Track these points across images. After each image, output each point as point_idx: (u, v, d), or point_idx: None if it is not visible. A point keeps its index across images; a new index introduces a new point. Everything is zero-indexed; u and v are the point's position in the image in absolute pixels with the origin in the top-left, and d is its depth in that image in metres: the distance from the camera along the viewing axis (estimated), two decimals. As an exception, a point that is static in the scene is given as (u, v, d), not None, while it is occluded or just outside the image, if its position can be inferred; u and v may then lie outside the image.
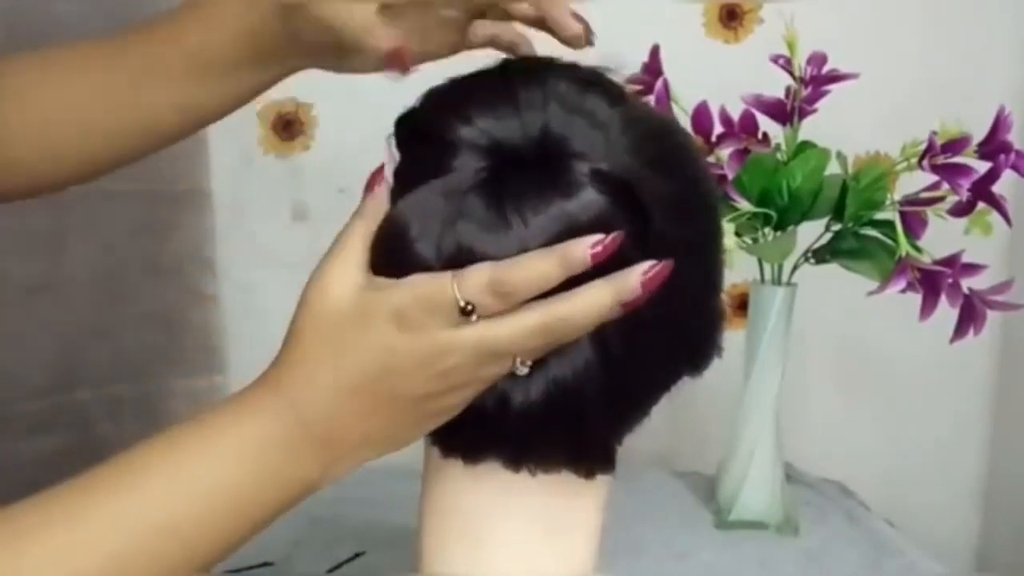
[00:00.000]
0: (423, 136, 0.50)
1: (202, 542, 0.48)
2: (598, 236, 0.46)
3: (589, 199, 0.47)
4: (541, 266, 0.46)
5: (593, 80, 0.51)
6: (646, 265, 0.47)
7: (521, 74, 0.51)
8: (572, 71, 0.51)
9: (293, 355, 0.49)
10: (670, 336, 0.51)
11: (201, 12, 0.63)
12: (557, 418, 0.50)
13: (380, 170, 0.50)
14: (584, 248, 0.46)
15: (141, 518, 0.47)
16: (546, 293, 0.47)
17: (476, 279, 0.46)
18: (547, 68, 0.51)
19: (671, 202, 0.49)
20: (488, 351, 0.47)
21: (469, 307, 0.46)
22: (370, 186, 0.50)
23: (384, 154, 0.51)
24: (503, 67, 0.53)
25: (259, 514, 0.49)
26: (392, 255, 0.49)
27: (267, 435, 0.48)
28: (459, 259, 0.47)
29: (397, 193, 0.51)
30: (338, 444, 0.49)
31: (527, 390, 0.49)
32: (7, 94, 0.64)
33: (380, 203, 0.50)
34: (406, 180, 0.50)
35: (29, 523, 0.46)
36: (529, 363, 0.48)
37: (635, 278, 0.46)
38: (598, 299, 0.46)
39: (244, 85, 0.65)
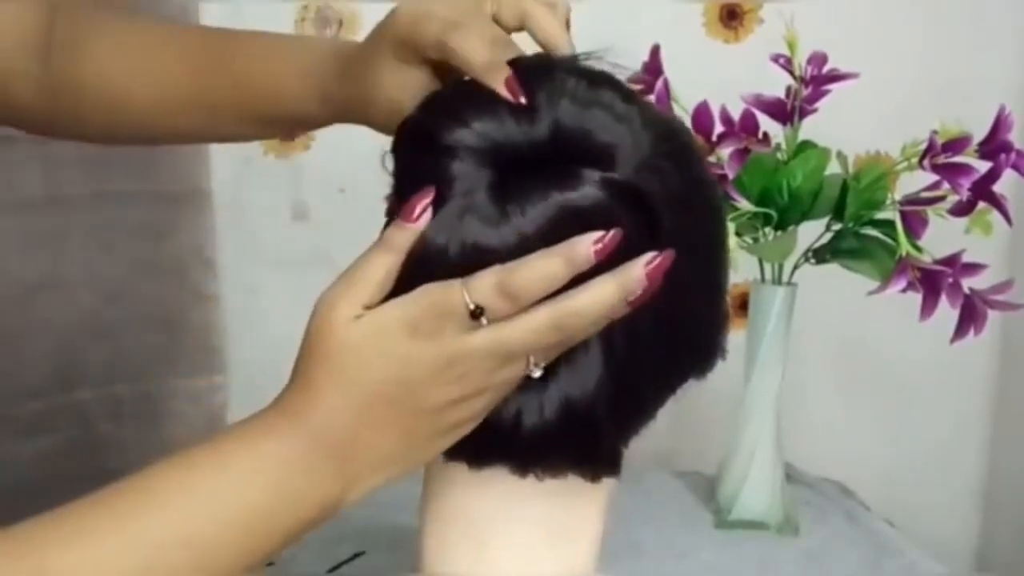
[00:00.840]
0: (423, 142, 0.50)
1: (220, 561, 0.47)
2: (599, 233, 0.46)
3: (591, 195, 0.47)
4: (546, 265, 0.46)
5: (601, 77, 0.51)
6: (648, 256, 0.47)
7: (523, 73, 0.50)
8: (575, 68, 0.51)
9: (305, 380, 0.48)
10: (676, 339, 0.51)
11: (272, 78, 0.64)
12: (569, 429, 0.50)
13: (421, 198, 0.48)
14: (587, 245, 0.46)
15: (161, 537, 0.46)
16: (555, 293, 0.47)
17: (484, 282, 0.46)
18: (550, 65, 0.51)
19: (679, 203, 0.49)
20: (502, 352, 0.47)
21: (479, 310, 0.46)
22: (406, 215, 0.48)
23: (423, 192, 0.48)
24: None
25: (277, 534, 0.48)
26: (411, 257, 0.48)
27: (285, 455, 0.48)
28: (464, 254, 0.47)
29: (395, 197, 0.50)
30: (357, 460, 0.48)
31: (541, 412, 0.49)
32: (88, 55, 0.68)
33: (411, 238, 0.48)
34: (406, 186, 0.50)
35: (49, 538, 0.45)
36: (543, 365, 0.48)
37: (639, 269, 0.46)
38: (604, 292, 0.46)
39: (300, 129, 0.74)
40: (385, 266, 0.48)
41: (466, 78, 0.52)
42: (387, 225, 0.50)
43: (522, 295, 0.46)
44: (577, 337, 0.48)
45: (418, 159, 0.50)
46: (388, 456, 0.49)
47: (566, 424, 0.49)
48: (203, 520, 0.47)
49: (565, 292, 0.46)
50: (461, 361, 0.47)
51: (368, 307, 0.48)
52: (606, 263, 0.46)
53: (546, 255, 0.46)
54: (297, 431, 0.48)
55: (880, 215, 0.95)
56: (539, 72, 0.50)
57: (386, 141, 0.53)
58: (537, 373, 0.48)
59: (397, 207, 0.49)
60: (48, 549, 0.45)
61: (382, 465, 0.49)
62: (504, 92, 0.49)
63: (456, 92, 0.52)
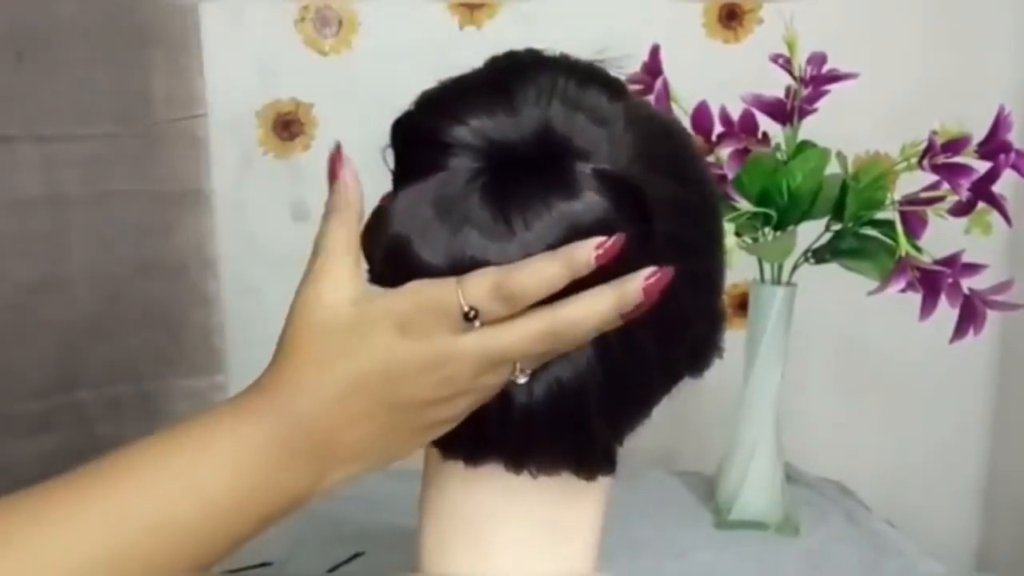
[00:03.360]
0: (418, 140, 0.50)
1: (189, 547, 0.47)
2: (601, 239, 0.45)
3: (592, 201, 0.47)
4: (546, 269, 0.46)
5: (590, 74, 0.51)
6: (648, 271, 0.46)
7: (514, 70, 0.50)
8: (567, 65, 0.51)
9: (289, 362, 0.48)
10: (671, 337, 0.51)
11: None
12: (559, 420, 0.50)
13: (337, 155, 0.50)
14: (588, 250, 0.45)
15: (129, 518, 0.46)
16: (550, 299, 0.46)
17: (480, 284, 0.46)
18: (540, 63, 0.51)
19: (674, 204, 0.49)
20: (491, 357, 0.47)
21: (473, 312, 0.46)
22: (332, 175, 0.50)
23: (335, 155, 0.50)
24: (495, 64, 0.53)
25: (247, 524, 0.48)
26: (398, 268, 0.48)
27: (261, 440, 0.47)
28: (464, 266, 0.47)
29: (393, 193, 0.50)
30: (332, 453, 0.48)
31: (530, 392, 0.49)
32: None
33: (350, 192, 0.49)
34: (404, 185, 0.50)
35: (18, 510, 0.45)
36: (528, 371, 0.48)
37: (637, 283, 0.46)
38: (600, 304, 0.46)
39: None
40: (338, 230, 0.49)
41: (456, 76, 0.52)
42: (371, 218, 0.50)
43: (519, 299, 0.46)
44: (568, 346, 0.47)
45: (414, 155, 0.50)
46: (363, 450, 0.49)
47: (555, 408, 0.49)
48: (175, 506, 0.46)
49: (560, 299, 0.46)
50: (448, 363, 0.47)
51: (352, 278, 0.48)
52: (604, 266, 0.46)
53: (545, 259, 0.46)
54: (278, 417, 0.47)
55: (880, 215, 0.95)
56: (527, 70, 0.50)
57: (386, 138, 0.53)
58: (523, 379, 0.48)
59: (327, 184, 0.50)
60: (15, 521, 0.45)
61: (355, 458, 0.49)
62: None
63: (451, 89, 0.52)
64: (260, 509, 0.48)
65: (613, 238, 0.45)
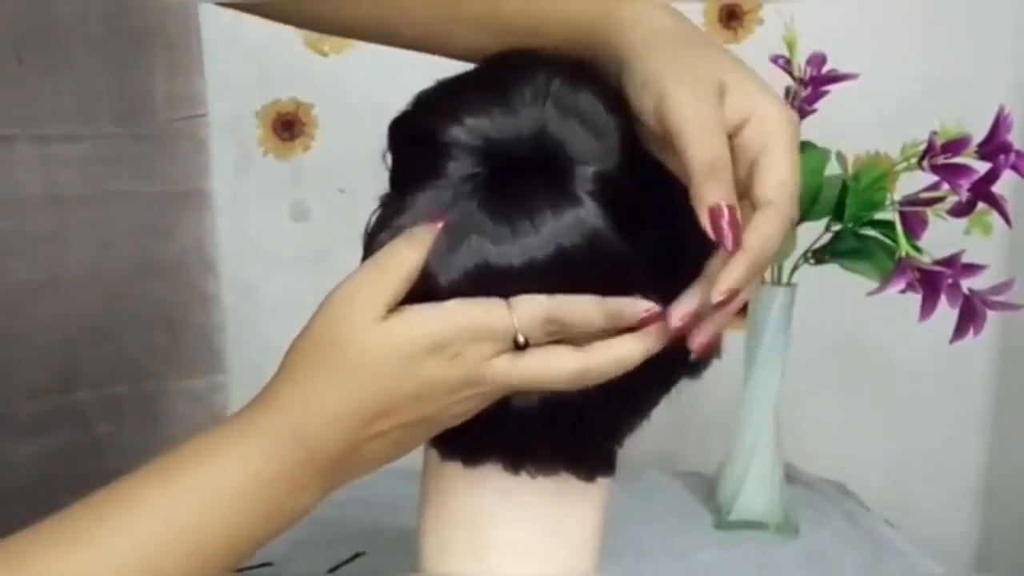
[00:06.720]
0: (414, 140, 0.50)
1: (212, 551, 0.46)
2: (649, 304, 0.47)
3: (595, 206, 0.47)
4: (595, 317, 0.47)
5: (583, 76, 0.50)
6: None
7: (510, 70, 0.50)
8: (560, 65, 0.50)
9: (310, 380, 0.47)
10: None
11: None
12: (556, 421, 0.50)
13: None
14: (636, 311, 0.47)
15: (141, 552, 0.44)
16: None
17: (534, 313, 0.46)
18: (535, 62, 0.51)
19: (668, 205, 0.49)
20: (523, 384, 0.48)
21: (524, 340, 0.46)
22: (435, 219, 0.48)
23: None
24: (489, 64, 0.53)
25: (256, 544, 0.47)
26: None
27: (277, 473, 0.46)
28: (477, 275, 0.47)
29: (393, 200, 0.50)
30: (345, 471, 0.48)
31: (527, 398, 0.49)
32: None
33: (434, 230, 0.47)
34: (401, 186, 0.50)
35: (36, 539, 0.44)
36: None
37: (664, 333, 0.48)
38: (632, 355, 0.48)
39: None
40: (414, 260, 0.47)
41: (452, 76, 0.52)
42: (377, 225, 0.50)
43: (563, 333, 0.47)
44: (591, 384, 0.49)
45: (413, 156, 0.50)
46: (374, 463, 0.49)
47: (552, 409, 0.49)
48: (187, 544, 0.45)
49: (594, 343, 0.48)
50: (479, 384, 0.47)
51: (390, 305, 0.46)
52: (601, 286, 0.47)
53: (595, 306, 0.47)
54: (293, 442, 0.46)
55: (879, 216, 0.95)
56: (523, 69, 0.50)
57: (385, 139, 0.53)
58: None
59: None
60: (29, 549, 0.43)
61: (364, 470, 0.49)
62: (705, 220, 0.46)
63: (447, 89, 0.52)
64: (265, 535, 0.47)
65: (658, 308, 0.47)
